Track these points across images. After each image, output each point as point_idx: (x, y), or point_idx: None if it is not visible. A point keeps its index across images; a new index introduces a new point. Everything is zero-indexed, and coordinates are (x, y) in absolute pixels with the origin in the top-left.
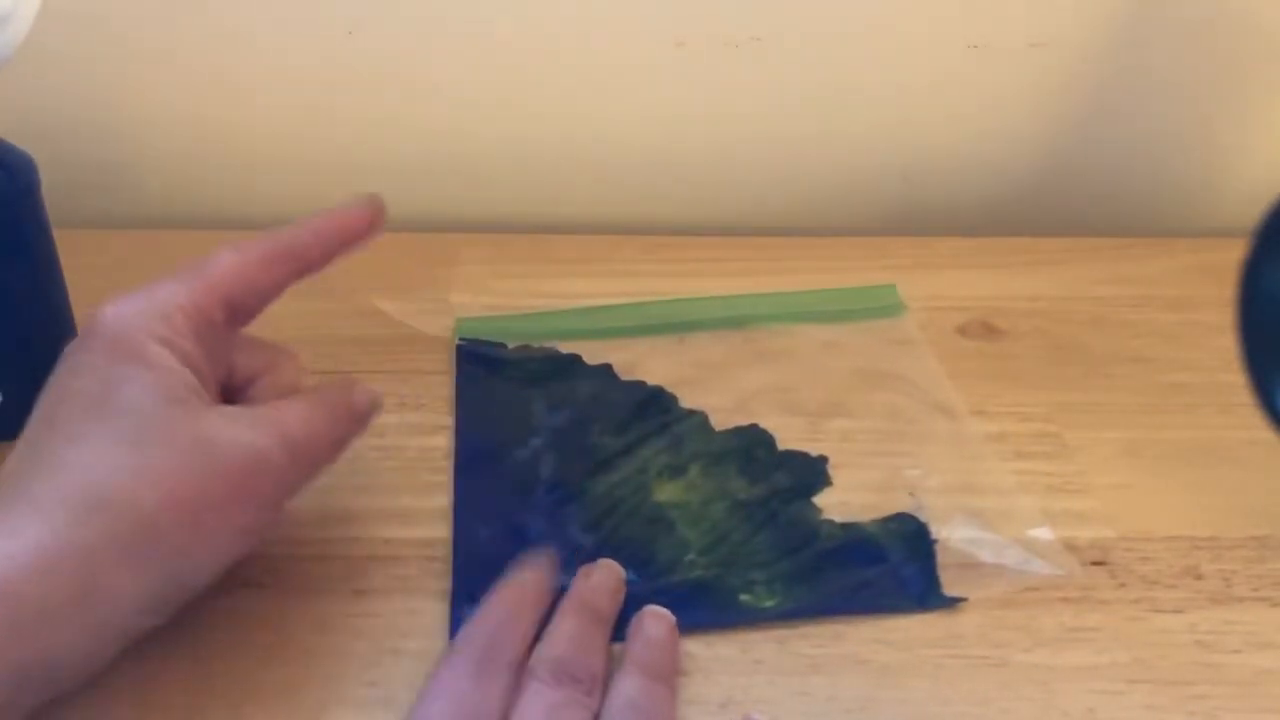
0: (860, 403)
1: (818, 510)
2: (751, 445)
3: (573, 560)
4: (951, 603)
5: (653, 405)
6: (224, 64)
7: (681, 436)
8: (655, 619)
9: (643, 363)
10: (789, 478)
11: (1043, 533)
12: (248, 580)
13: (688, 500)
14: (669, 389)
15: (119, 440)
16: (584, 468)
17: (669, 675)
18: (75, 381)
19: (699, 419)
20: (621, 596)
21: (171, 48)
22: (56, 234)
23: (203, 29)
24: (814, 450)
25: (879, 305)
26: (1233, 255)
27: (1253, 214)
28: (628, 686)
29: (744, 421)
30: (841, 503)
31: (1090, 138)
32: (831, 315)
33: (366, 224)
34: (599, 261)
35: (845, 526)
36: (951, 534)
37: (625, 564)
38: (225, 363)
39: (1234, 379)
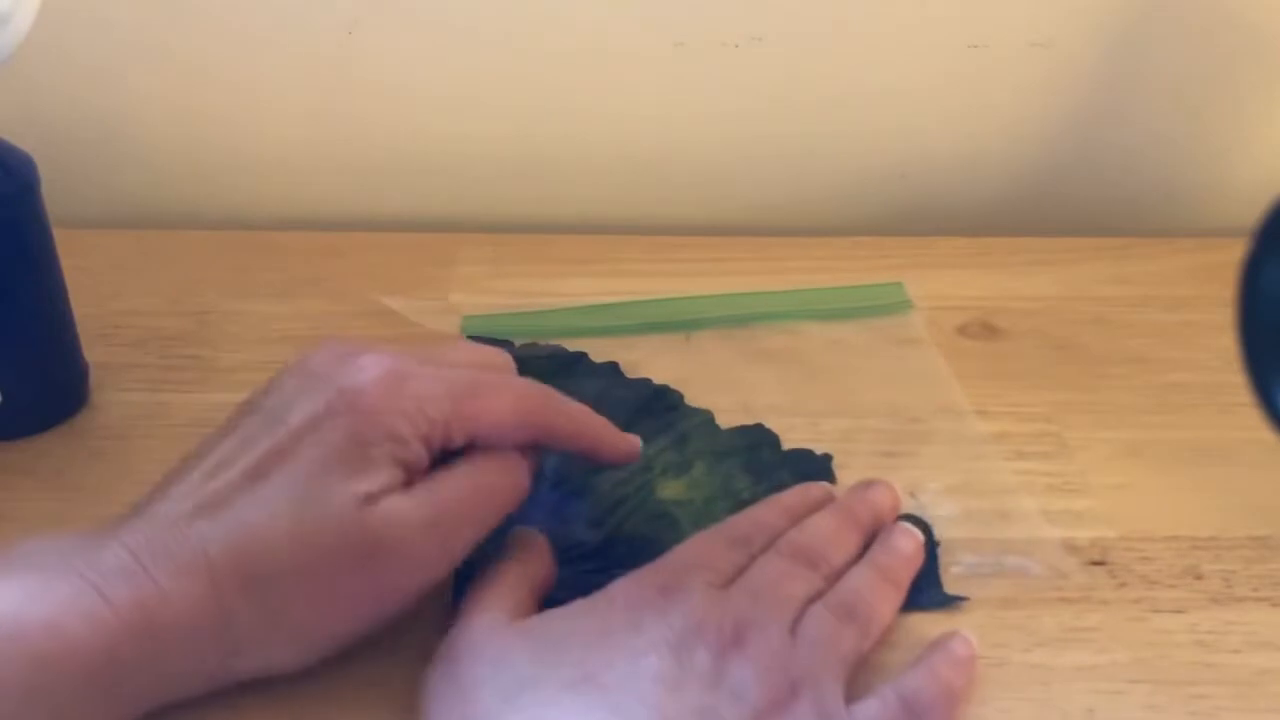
0: (865, 402)
1: None
2: (756, 444)
3: (575, 557)
4: (953, 601)
5: (658, 403)
6: (224, 64)
7: (686, 435)
8: (905, 534)
9: (649, 361)
10: (793, 477)
11: (1044, 534)
12: None
13: (691, 498)
14: (675, 387)
15: (276, 502)
16: (588, 465)
17: (901, 583)
18: (290, 418)
19: (704, 417)
20: (890, 520)
21: (171, 48)
22: (56, 234)
23: (203, 29)
24: (818, 449)
25: (886, 303)
26: (1233, 255)
27: (1253, 214)
28: (859, 578)
29: (749, 420)
30: None
31: (1090, 137)
32: (838, 313)
33: (619, 455)
34: (599, 261)
35: None
36: (954, 535)
37: (629, 561)
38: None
39: (1234, 379)
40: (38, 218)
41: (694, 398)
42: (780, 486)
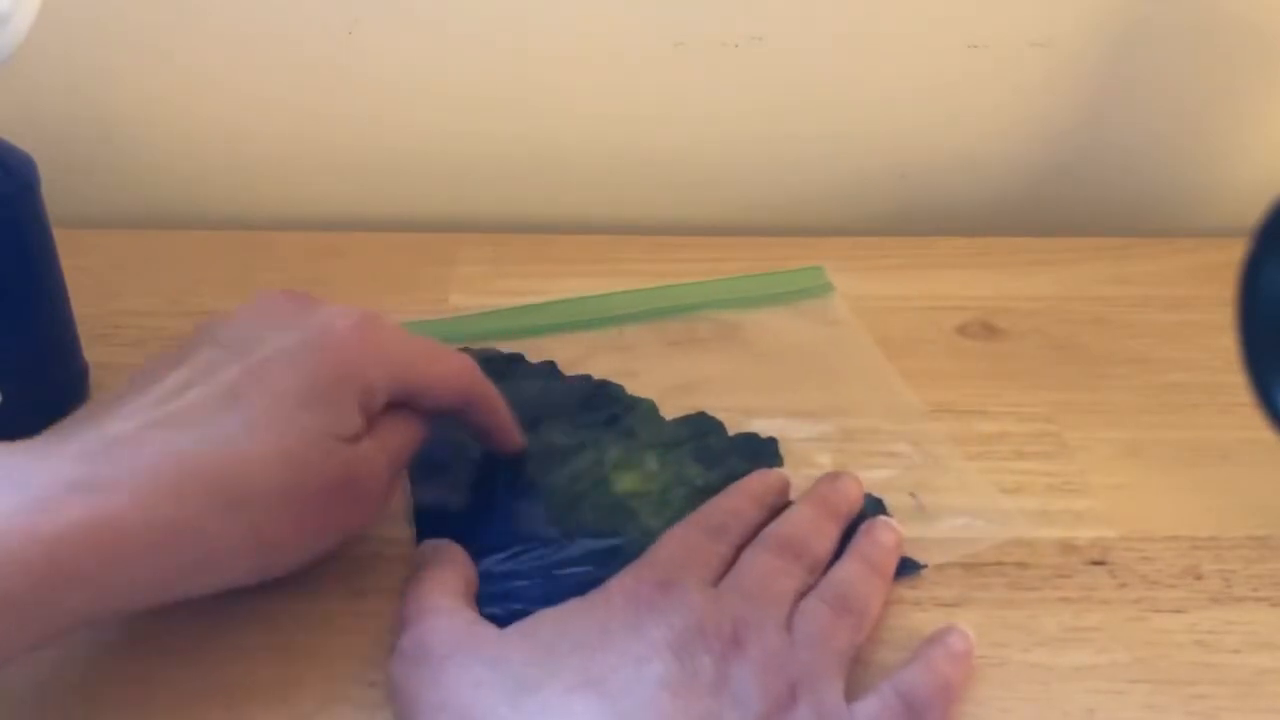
0: (801, 382)
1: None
2: (703, 432)
3: (540, 555)
4: (914, 568)
5: (600, 397)
6: (224, 64)
7: (633, 427)
8: (886, 527)
9: (585, 357)
10: (743, 461)
11: (990, 499)
12: None
13: (648, 490)
14: (614, 381)
15: (256, 425)
16: (540, 464)
17: (886, 573)
18: (273, 338)
19: (648, 406)
20: (858, 510)
21: (171, 48)
22: (56, 234)
23: (203, 29)
24: (762, 432)
25: (808, 286)
26: (1233, 255)
27: (1253, 214)
28: (847, 569)
29: (691, 409)
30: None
31: (1090, 137)
32: (764, 299)
33: (510, 444)
34: (599, 261)
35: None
36: (904, 502)
37: (595, 555)
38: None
39: (1234, 379)
40: (38, 218)
41: (634, 391)
42: (732, 472)
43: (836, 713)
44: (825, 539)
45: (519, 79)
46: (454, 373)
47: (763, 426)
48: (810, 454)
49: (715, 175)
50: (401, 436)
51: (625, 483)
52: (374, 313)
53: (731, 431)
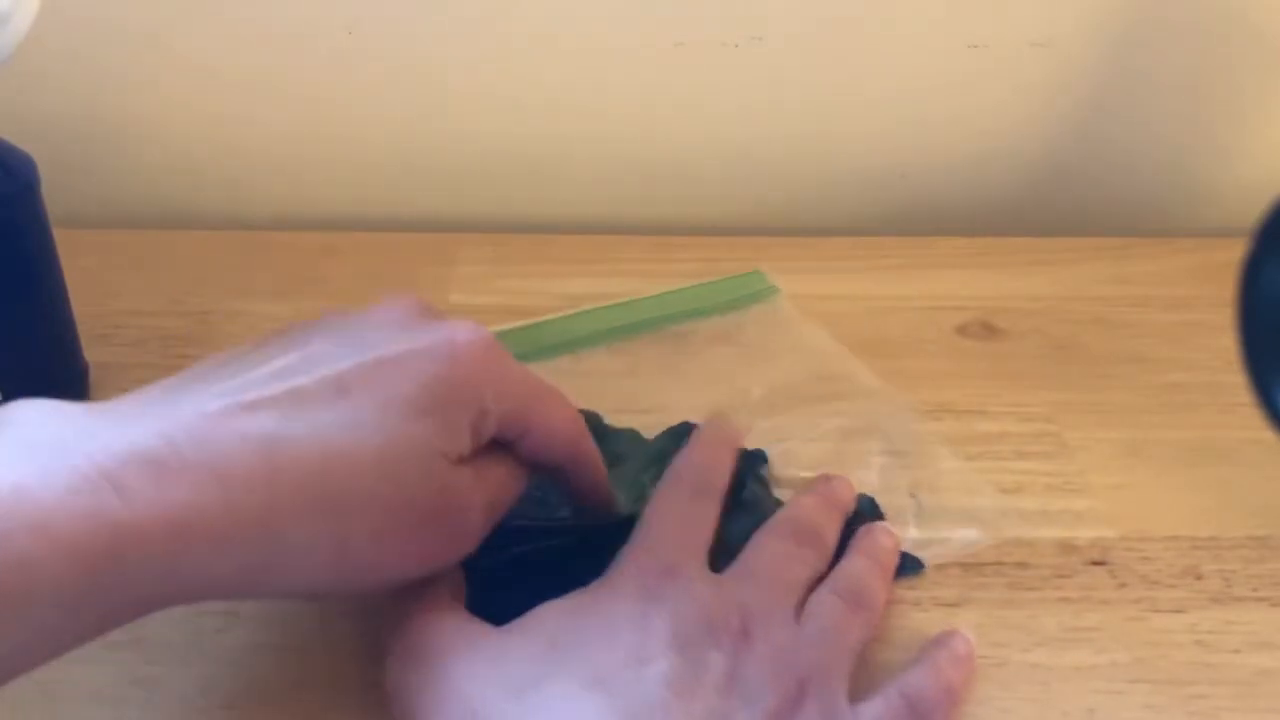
0: (768, 389)
1: (771, 492)
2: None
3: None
4: (916, 566)
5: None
6: (224, 64)
7: (619, 454)
8: (885, 532)
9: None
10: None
11: (982, 500)
12: None
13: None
14: (590, 410)
15: (361, 425)
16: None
17: (889, 569)
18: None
19: (631, 434)
20: (853, 510)
21: (172, 48)
22: (57, 234)
23: (203, 29)
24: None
25: (753, 291)
26: (1233, 255)
27: (1253, 214)
28: (857, 563)
29: (665, 424)
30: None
31: (1090, 137)
32: (713, 308)
33: (605, 503)
34: (599, 261)
35: None
36: (904, 502)
37: (592, 573)
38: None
39: (1234, 379)
40: (38, 218)
41: (610, 421)
42: None
43: (842, 713)
44: (832, 527)
45: (519, 79)
46: (567, 421)
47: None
48: (794, 453)
49: (715, 175)
50: (502, 479)
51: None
52: (495, 338)
53: None
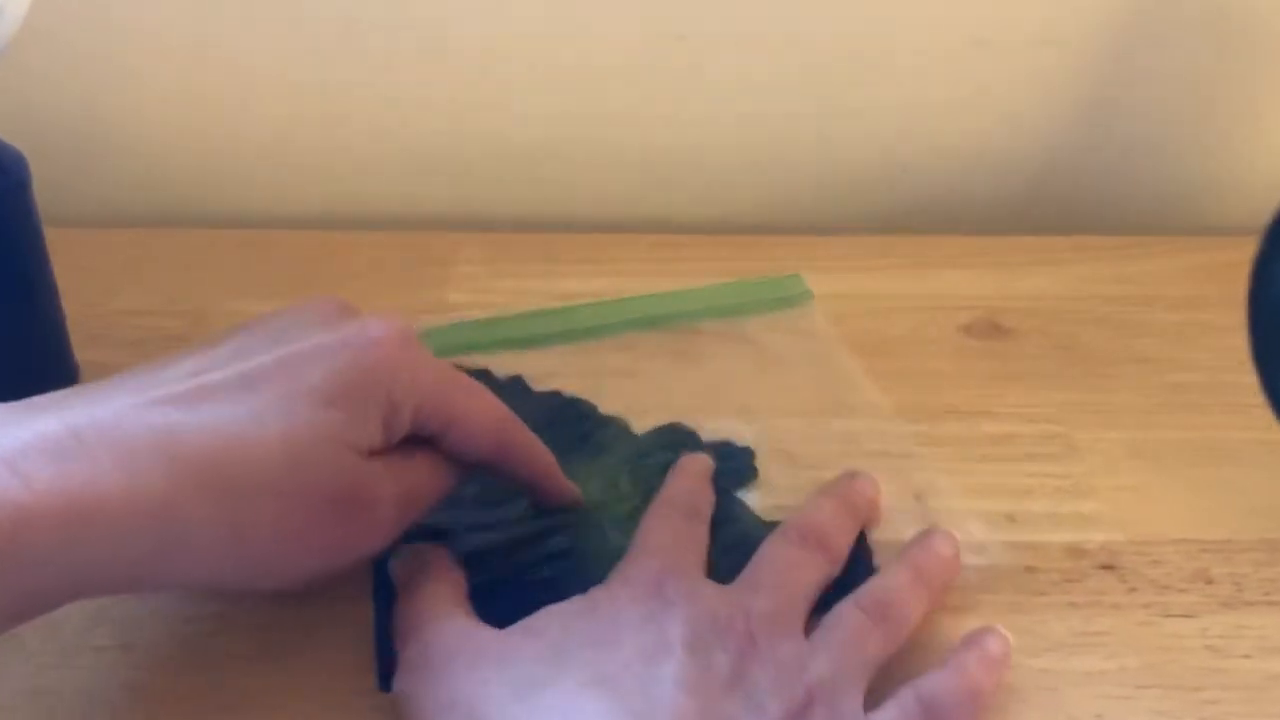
0: (775, 396)
1: (749, 509)
2: (676, 442)
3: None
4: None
5: (570, 413)
6: (222, 62)
7: (604, 444)
8: (945, 538)
9: (555, 372)
10: (718, 471)
11: (977, 531)
12: None
13: (617, 511)
14: (585, 397)
15: (266, 415)
16: (507, 483)
17: (936, 587)
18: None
19: (620, 425)
20: (874, 513)
21: (168, 45)
22: (51, 233)
23: (200, 25)
24: (737, 441)
25: (785, 295)
26: (1240, 254)
27: (1260, 213)
28: (894, 578)
29: (662, 420)
30: (777, 505)
31: (1096, 135)
32: (738, 308)
33: (561, 498)
34: (599, 261)
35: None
36: (909, 505)
37: (561, 574)
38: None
39: (1242, 379)
40: (28, 216)
41: (605, 406)
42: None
43: None
44: (845, 534)
45: (519, 78)
46: (488, 413)
47: (738, 436)
48: (782, 471)
49: (716, 175)
50: (420, 474)
51: (595, 500)
52: (414, 331)
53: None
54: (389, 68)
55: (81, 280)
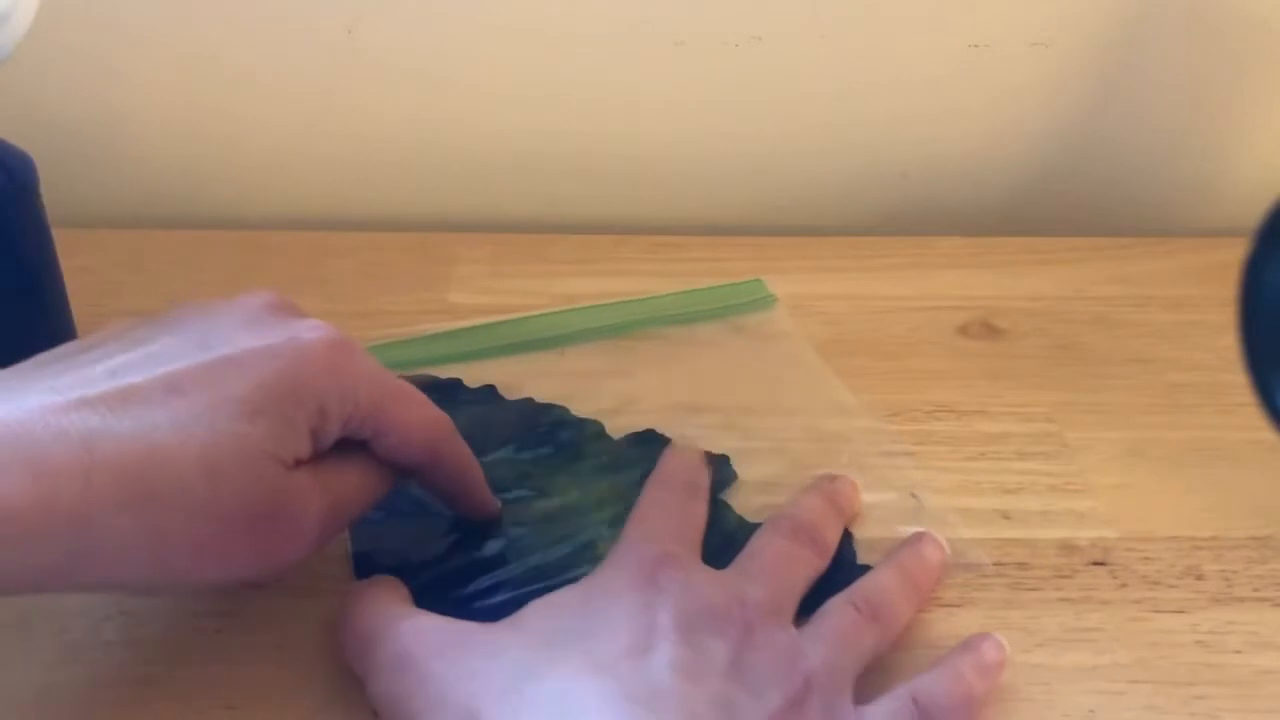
0: (747, 399)
1: (732, 510)
2: (653, 452)
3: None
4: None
5: (544, 420)
6: (224, 63)
7: (581, 450)
8: (933, 543)
9: (525, 380)
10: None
11: (955, 531)
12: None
13: (600, 518)
14: (558, 403)
15: (187, 425)
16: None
17: (924, 588)
18: (236, 336)
19: (596, 429)
20: (856, 513)
21: (172, 48)
22: (56, 234)
23: (203, 27)
24: (713, 448)
25: (749, 300)
26: (1234, 255)
27: (1254, 213)
28: (884, 577)
29: (637, 428)
30: (764, 505)
31: (1091, 137)
32: (704, 314)
33: (482, 509)
34: (599, 261)
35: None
36: (905, 502)
37: (542, 578)
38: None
39: (1235, 379)
40: (36, 218)
41: (577, 412)
42: None
43: (847, 715)
44: (833, 530)
45: (519, 78)
46: (423, 421)
47: (713, 443)
48: (760, 472)
49: (715, 175)
50: (350, 481)
51: (573, 505)
52: (351, 339)
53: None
54: (389, 71)
55: (84, 281)
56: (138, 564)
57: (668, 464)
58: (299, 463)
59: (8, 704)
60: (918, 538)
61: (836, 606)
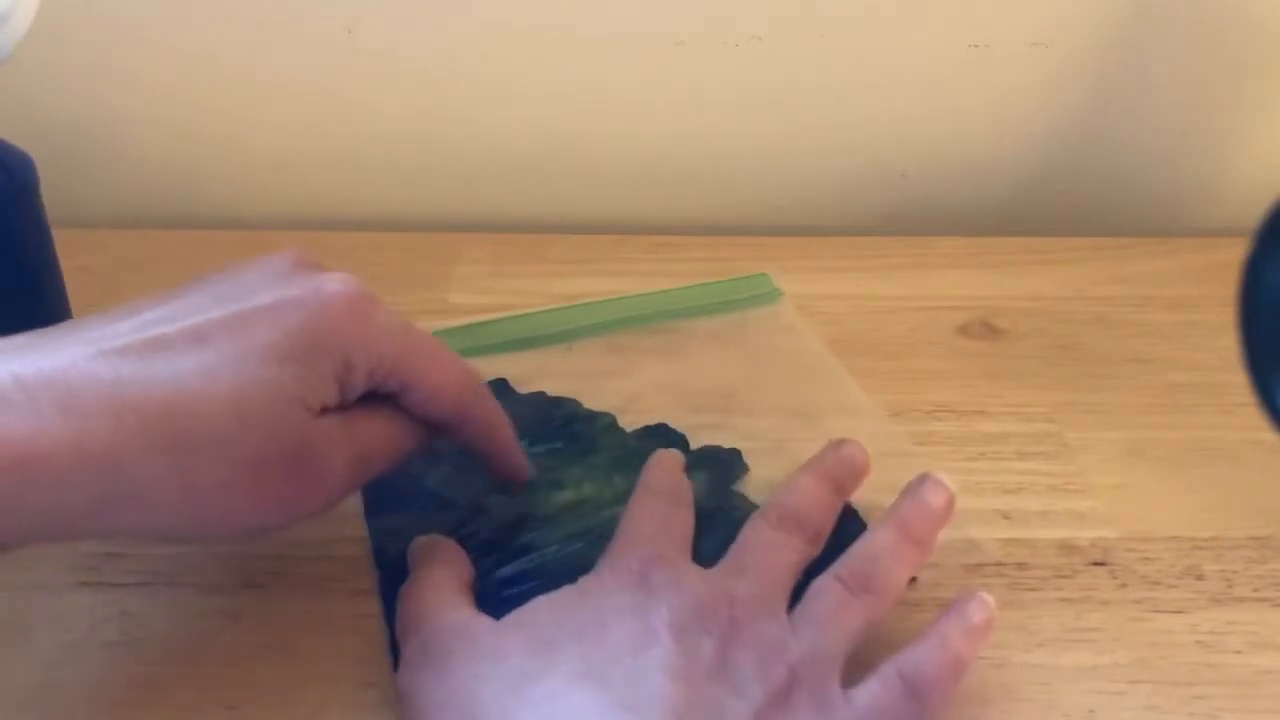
0: (756, 393)
1: (746, 499)
2: (665, 445)
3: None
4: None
5: (557, 413)
6: (225, 64)
7: (595, 444)
8: (936, 486)
9: (536, 374)
10: (708, 475)
11: (955, 531)
12: (248, 580)
13: (616, 512)
14: (570, 396)
15: (215, 371)
16: (499, 485)
17: (924, 542)
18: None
19: (608, 422)
20: (862, 481)
21: (172, 48)
22: (56, 234)
23: (204, 27)
24: (724, 445)
25: (756, 294)
26: (1234, 255)
27: (1254, 213)
28: (880, 539)
29: (647, 422)
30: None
31: (1091, 137)
32: (711, 308)
33: (515, 472)
34: (599, 261)
35: None
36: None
37: (557, 576)
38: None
39: (1235, 379)
40: (36, 218)
41: (590, 406)
42: (698, 486)
43: (834, 700)
44: (826, 510)
45: (519, 79)
46: (451, 375)
47: (717, 438)
48: (770, 465)
49: (715, 175)
50: (378, 432)
51: (588, 498)
52: (374, 293)
53: (693, 443)
54: (389, 71)
55: (84, 281)
56: (164, 508)
57: (650, 474)
58: (326, 410)
59: (8, 704)
60: (920, 481)
61: (823, 585)
